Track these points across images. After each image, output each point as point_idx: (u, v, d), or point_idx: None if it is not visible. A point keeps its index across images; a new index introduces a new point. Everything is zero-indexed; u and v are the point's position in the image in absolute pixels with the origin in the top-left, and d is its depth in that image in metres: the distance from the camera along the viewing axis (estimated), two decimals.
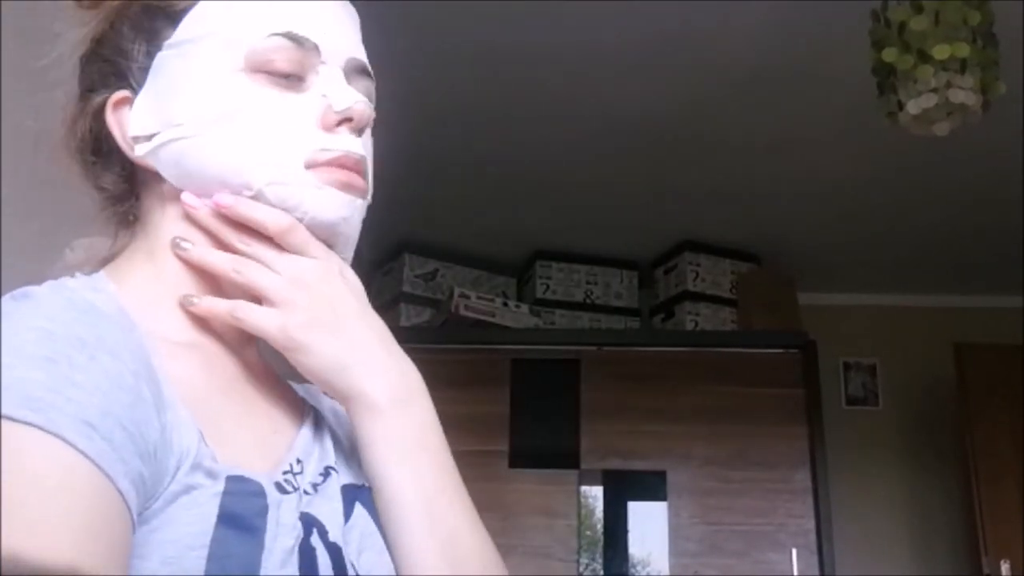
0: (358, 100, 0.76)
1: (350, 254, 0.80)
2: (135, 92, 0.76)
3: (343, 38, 0.79)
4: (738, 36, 2.64)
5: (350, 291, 0.77)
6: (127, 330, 0.64)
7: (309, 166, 0.74)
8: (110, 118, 0.77)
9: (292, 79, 0.75)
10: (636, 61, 2.76)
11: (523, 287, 4.13)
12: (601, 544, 3.54)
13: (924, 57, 1.85)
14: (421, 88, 2.75)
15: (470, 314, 3.65)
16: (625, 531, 3.56)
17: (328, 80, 0.76)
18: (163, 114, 0.75)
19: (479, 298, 3.71)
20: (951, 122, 1.90)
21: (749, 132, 3.12)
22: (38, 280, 0.67)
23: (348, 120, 0.76)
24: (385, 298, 3.92)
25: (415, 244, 3.91)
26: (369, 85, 0.81)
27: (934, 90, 1.84)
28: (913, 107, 1.86)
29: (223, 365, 0.75)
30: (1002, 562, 3.42)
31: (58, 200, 0.82)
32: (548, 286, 4.00)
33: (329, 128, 0.75)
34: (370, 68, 0.81)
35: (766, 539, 3.44)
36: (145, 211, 0.78)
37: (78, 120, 0.78)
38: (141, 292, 0.74)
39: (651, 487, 3.53)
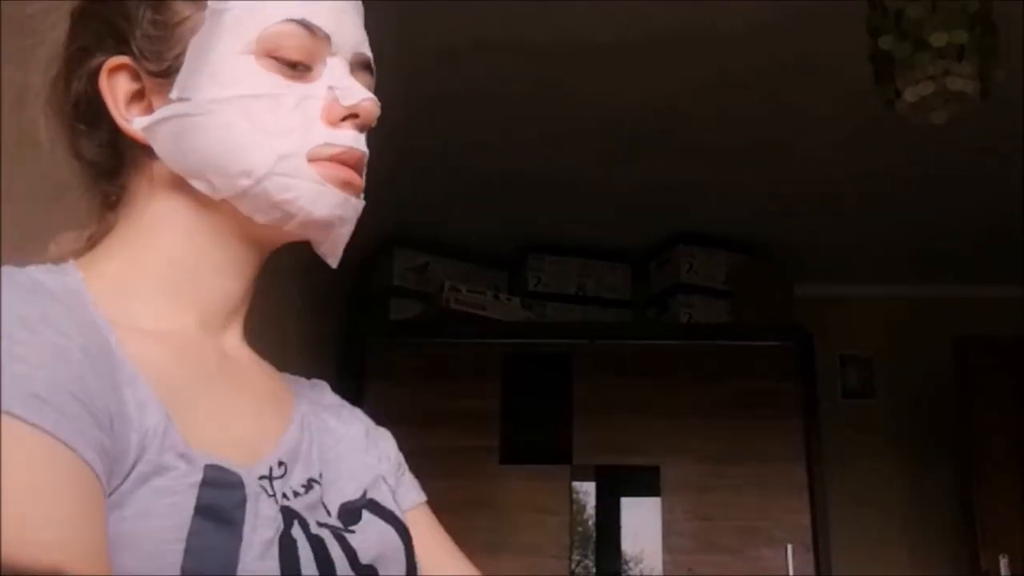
0: (366, 97, 0.76)
1: (339, 253, 0.80)
2: (135, 59, 0.74)
3: (352, 30, 0.79)
4: (733, 27, 2.61)
5: None
6: (76, 309, 0.64)
7: (311, 160, 0.74)
8: (104, 84, 0.74)
9: (300, 68, 0.75)
10: (629, 53, 2.73)
11: (515, 280, 4.10)
12: (593, 541, 3.51)
13: (921, 44, 1.83)
14: (412, 81, 2.73)
15: (461, 307, 3.62)
16: (618, 527, 3.53)
17: (335, 72, 0.76)
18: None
19: (470, 291, 3.68)
20: (949, 110, 1.89)
21: (744, 123, 3.09)
22: None
23: (354, 116, 0.76)
24: (375, 292, 3.89)
25: (405, 237, 3.87)
26: (371, 80, 0.80)
27: (931, 78, 1.83)
28: (910, 95, 1.85)
29: (200, 355, 0.74)
30: (1000, 557, 3.40)
31: (53, 200, 0.81)
32: (540, 279, 3.97)
33: (333, 122, 0.75)
34: (373, 64, 0.81)
35: (761, 535, 3.42)
36: (131, 193, 0.77)
37: (71, 80, 0.76)
38: (113, 280, 0.73)
39: (644, 483, 3.50)
